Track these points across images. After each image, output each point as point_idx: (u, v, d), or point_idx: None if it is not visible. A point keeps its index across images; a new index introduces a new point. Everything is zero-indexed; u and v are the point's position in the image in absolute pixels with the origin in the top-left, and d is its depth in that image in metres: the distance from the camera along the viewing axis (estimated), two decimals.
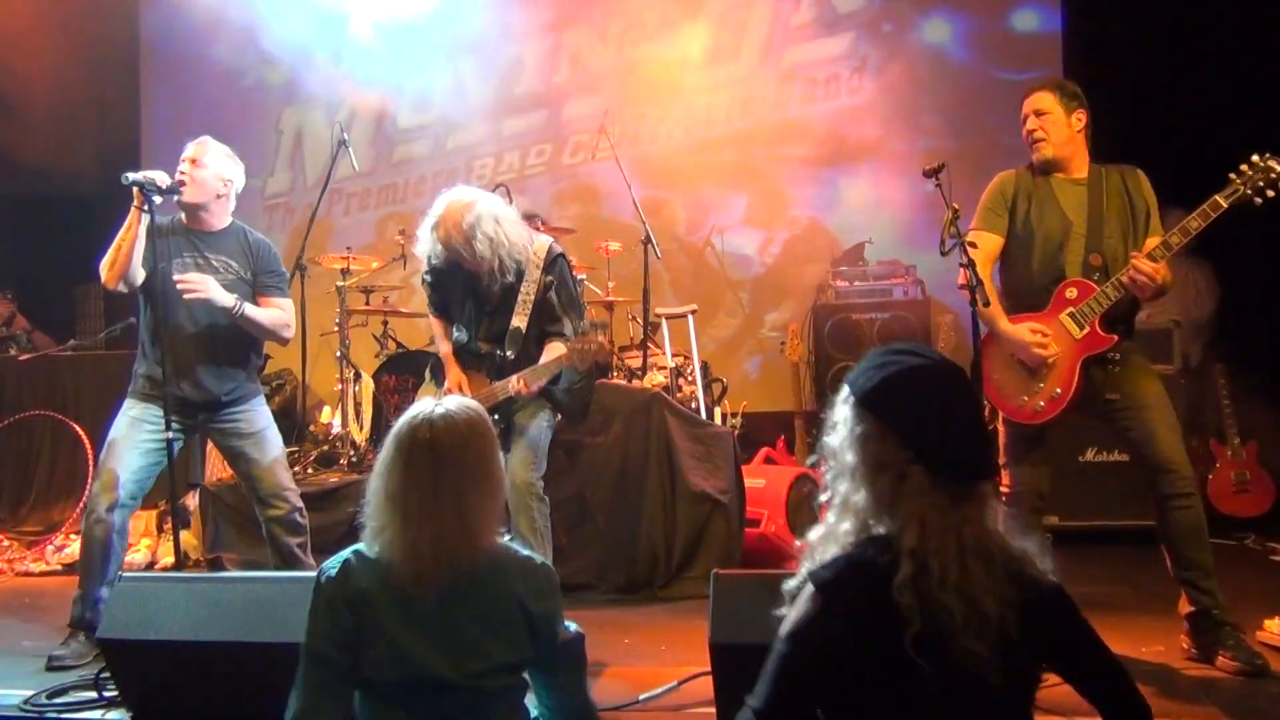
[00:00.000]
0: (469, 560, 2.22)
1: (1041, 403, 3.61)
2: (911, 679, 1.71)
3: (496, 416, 3.95)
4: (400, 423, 2.31)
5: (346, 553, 2.32)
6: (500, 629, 2.25)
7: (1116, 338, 3.59)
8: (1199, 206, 3.53)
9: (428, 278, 4.15)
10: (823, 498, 2.00)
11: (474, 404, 2.38)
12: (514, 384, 3.88)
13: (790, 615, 1.83)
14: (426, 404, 2.32)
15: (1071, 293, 3.62)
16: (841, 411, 1.92)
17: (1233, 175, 3.51)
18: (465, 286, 4.04)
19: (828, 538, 1.93)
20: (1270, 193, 3.44)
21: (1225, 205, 3.48)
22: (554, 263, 4.01)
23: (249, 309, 3.99)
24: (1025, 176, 3.83)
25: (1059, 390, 3.58)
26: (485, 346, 4.03)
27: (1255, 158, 3.49)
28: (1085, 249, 3.65)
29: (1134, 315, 3.79)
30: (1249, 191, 3.47)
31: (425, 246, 4.01)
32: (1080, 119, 3.78)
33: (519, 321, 3.95)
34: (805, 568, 1.91)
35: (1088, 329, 3.59)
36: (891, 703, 1.75)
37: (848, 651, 1.75)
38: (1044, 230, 3.71)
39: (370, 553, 2.28)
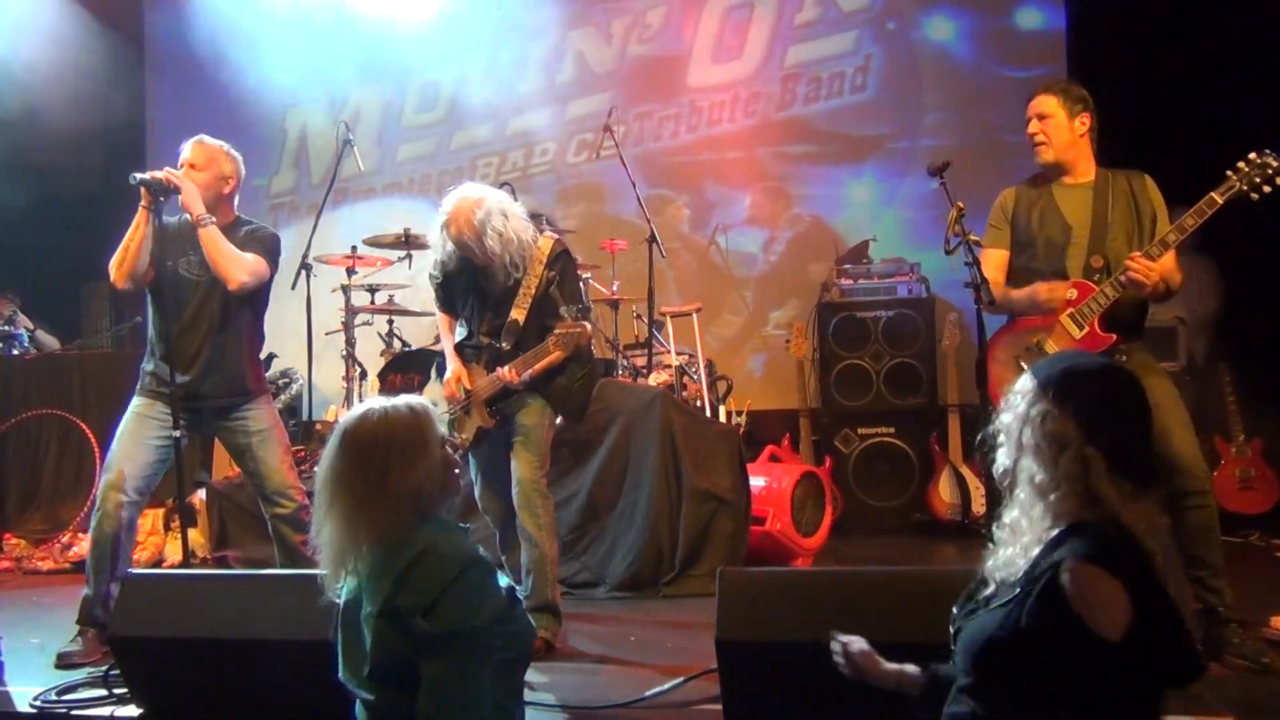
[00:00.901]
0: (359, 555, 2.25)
1: None
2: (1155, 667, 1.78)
3: (495, 409, 3.98)
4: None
5: None
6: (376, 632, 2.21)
7: (1115, 337, 3.59)
8: (1196, 203, 3.53)
9: (436, 275, 4.16)
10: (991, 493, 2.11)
11: (419, 403, 2.37)
12: (503, 372, 3.86)
13: (1099, 613, 1.75)
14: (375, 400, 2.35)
15: (1072, 294, 3.63)
16: (1021, 396, 1.99)
17: (1229, 172, 3.50)
18: (470, 282, 4.05)
19: (1019, 526, 1.96)
20: (1266, 188, 3.44)
21: (1221, 201, 3.48)
22: (558, 258, 4.01)
23: (215, 230, 3.91)
24: (1025, 190, 3.86)
25: None
26: (486, 340, 4.03)
27: (1253, 154, 3.49)
28: (1087, 251, 3.66)
29: (1141, 316, 3.78)
30: (1245, 187, 3.47)
31: (436, 244, 4.02)
32: (1084, 122, 3.78)
33: (517, 314, 3.94)
34: (1022, 564, 1.92)
35: (1086, 329, 3.60)
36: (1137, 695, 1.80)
37: (1152, 633, 1.76)
38: (1045, 236, 3.74)
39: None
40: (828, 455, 6.37)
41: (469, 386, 4.00)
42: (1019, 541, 1.95)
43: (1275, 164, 3.43)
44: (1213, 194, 3.49)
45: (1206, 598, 3.50)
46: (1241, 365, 6.23)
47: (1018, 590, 1.87)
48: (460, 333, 4.17)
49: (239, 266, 3.91)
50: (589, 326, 3.94)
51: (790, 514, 5.21)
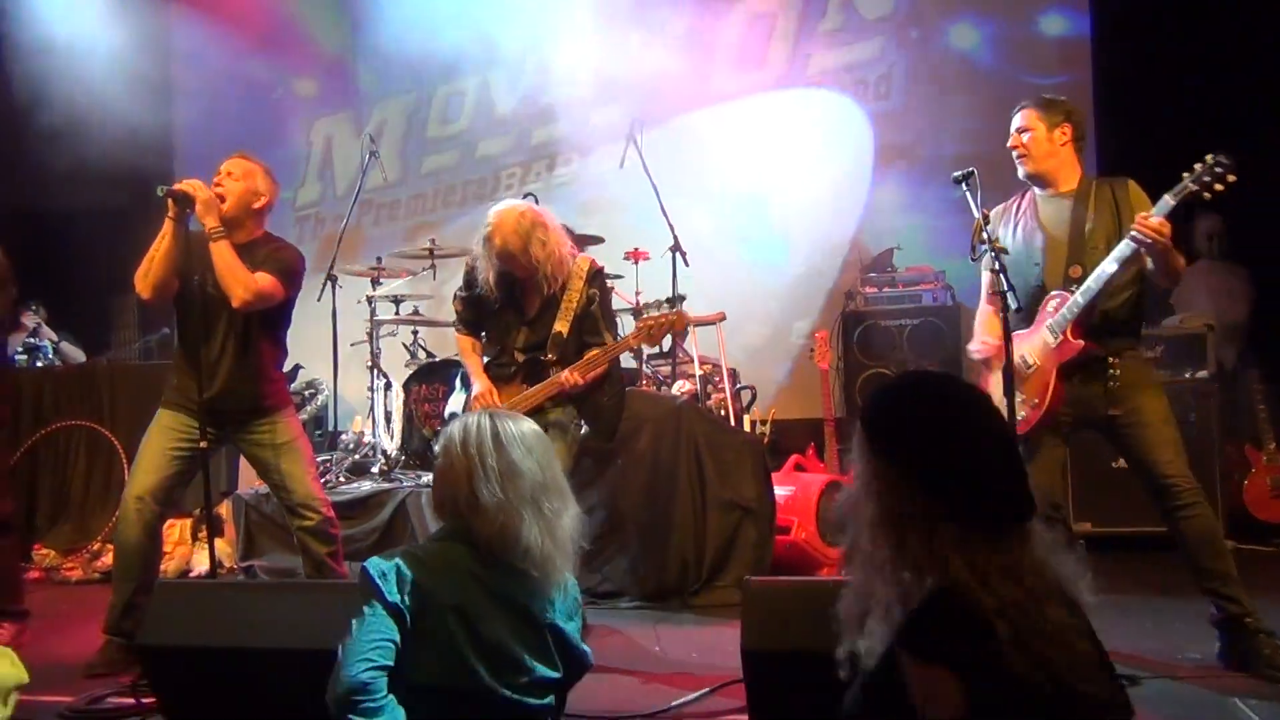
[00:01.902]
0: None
1: (1023, 413, 3.62)
2: None
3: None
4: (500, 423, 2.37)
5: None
6: (544, 646, 2.27)
7: (1085, 344, 3.58)
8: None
9: (462, 293, 4.20)
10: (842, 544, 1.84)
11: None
12: (564, 376, 3.90)
13: (931, 711, 1.63)
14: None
15: (1051, 305, 3.66)
16: (859, 462, 1.78)
17: (1184, 174, 3.51)
18: (506, 299, 4.08)
19: (862, 601, 1.77)
20: (1218, 186, 3.44)
21: (1174, 203, 3.48)
22: (596, 276, 4.09)
23: (227, 246, 3.89)
24: (1011, 206, 3.89)
25: (1036, 400, 3.64)
26: (523, 356, 4.05)
27: (1208, 157, 3.49)
28: (1066, 261, 3.67)
29: (1133, 318, 3.75)
30: (1195, 188, 3.47)
31: (477, 261, 4.08)
32: (1064, 133, 3.78)
33: (561, 327, 3.99)
34: (864, 643, 1.74)
35: (1060, 337, 3.61)
36: None
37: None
38: (1027, 249, 3.77)
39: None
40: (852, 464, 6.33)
41: (499, 403, 4.01)
42: (869, 624, 1.75)
43: (1226, 164, 3.44)
44: (1166, 196, 3.50)
45: (1226, 607, 3.50)
46: (1271, 372, 6.16)
47: (875, 672, 1.72)
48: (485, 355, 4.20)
49: (242, 284, 3.88)
50: (677, 312, 3.95)
51: (815, 523, 5.18)
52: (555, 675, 2.29)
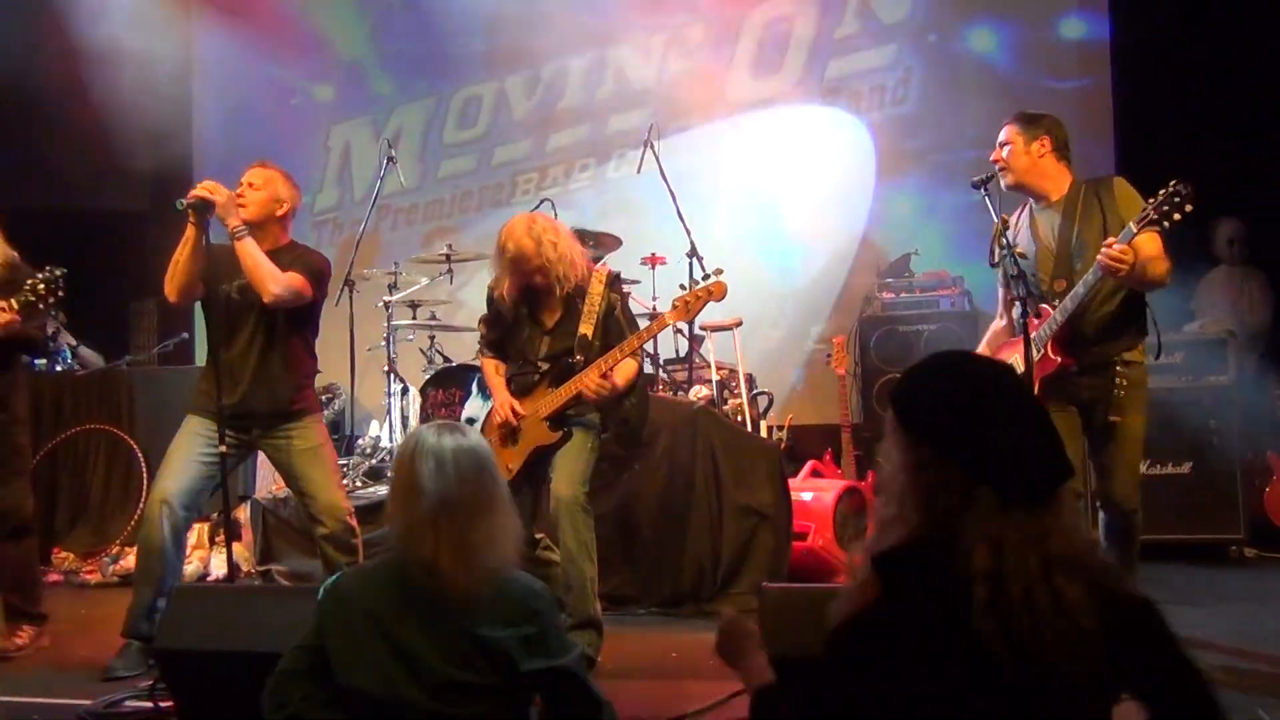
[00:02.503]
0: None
1: None
2: (986, 697, 1.61)
3: (556, 422, 3.99)
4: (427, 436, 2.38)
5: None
6: (462, 653, 2.25)
7: (1062, 360, 3.63)
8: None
9: (486, 315, 4.25)
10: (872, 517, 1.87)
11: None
12: (586, 380, 3.86)
13: (842, 596, 1.75)
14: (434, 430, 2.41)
15: (1036, 320, 3.68)
16: (892, 435, 1.80)
17: (1148, 200, 3.50)
18: (529, 313, 4.11)
19: (879, 543, 1.80)
20: (1176, 215, 3.42)
21: (1136, 231, 3.45)
22: (614, 281, 4.13)
23: (252, 244, 3.93)
24: (1014, 217, 3.91)
25: None
26: (546, 365, 4.06)
27: (1170, 184, 3.45)
28: (1051, 275, 3.71)
29: (1131, 320, 3.73)
30: (1155, 216, 3.43)
31: (494, 276, 4.13)
32: (1043, 145, 3.81)
33: (586, 329, 3.98)
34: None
35: (1042, 352, 3.65)
36: None
37: (910, 645, 1.64)
38: (1022, 262, 3.76)
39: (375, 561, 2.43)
40: (870, 470, 6.30)
41: (522, 412, 4.00)
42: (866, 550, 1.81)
43: (1184, 193, 3.41)
44: (1130, 223, 3.48)
45: None
46: None
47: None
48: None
49: (273, 279, 3.92)
50: (723, 283, 4.00)
51: (833, 529, 5.17)
52: (483, 683, 2.25)
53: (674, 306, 4.01)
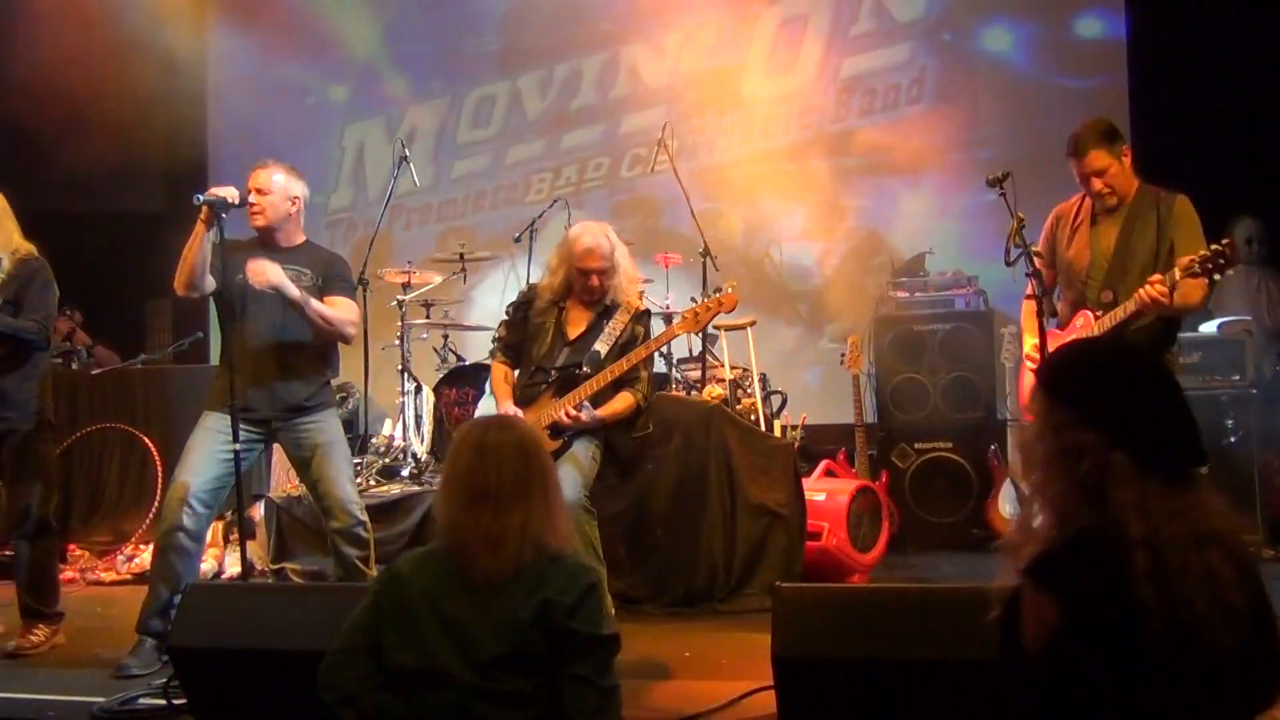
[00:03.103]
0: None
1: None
2: (1145, 677, 1.64)
3: (562, 437, 4.06)
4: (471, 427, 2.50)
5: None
6: (509, 625, 2.30)
7: None
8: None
9: (510, 315, 4.33)
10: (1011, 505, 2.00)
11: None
12: (559, 410, 4.01)
13: (1028, 628, 1.73)
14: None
15: (1080, 321, 3.80)
16: (1035, 403, 1.89)
17: (1202, 252, 3.55)
18: (558, 317, 4.20)
19: (1024, 534, 1.86)
20: (1217, 275, 3.54)
21: (1180, 279, 3.55)
22: (643, 317, 4.24)
23: (314, 301, 4.03)
24: (1070, 208, 3.95)
25: None
26: (558, 373, 4.14)
27: (1222, 243, 3.53)
28: (1101, 284, 3.77)
29: (1166, 329, 3.80)
30: (1199, 270, 3.52)
31: (543, 278, 4.25)
32: (1126, 154, 3.83)
33: (601, 347, 4.10)
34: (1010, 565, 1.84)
35: None
36: (1122, 704, 1.67)
37: (1108, 660, 1.66)
38: (1072, 262, 3.89)
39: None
40: (884, 470, 6.29)
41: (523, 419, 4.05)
42: (1022, 552, 1.83)
43: (1229, 255, 3.49)
44: (1175, 271, 3.56)
45: None
46: None
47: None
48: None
49: (347, 325, 4.16)
50: (733, 293, 4.04)
51: (846, 529, 5.15)
52: (531, 654, 2.29)
53: (684, 318, 4.09)
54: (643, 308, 4.27)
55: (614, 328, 4.12)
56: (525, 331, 4.27)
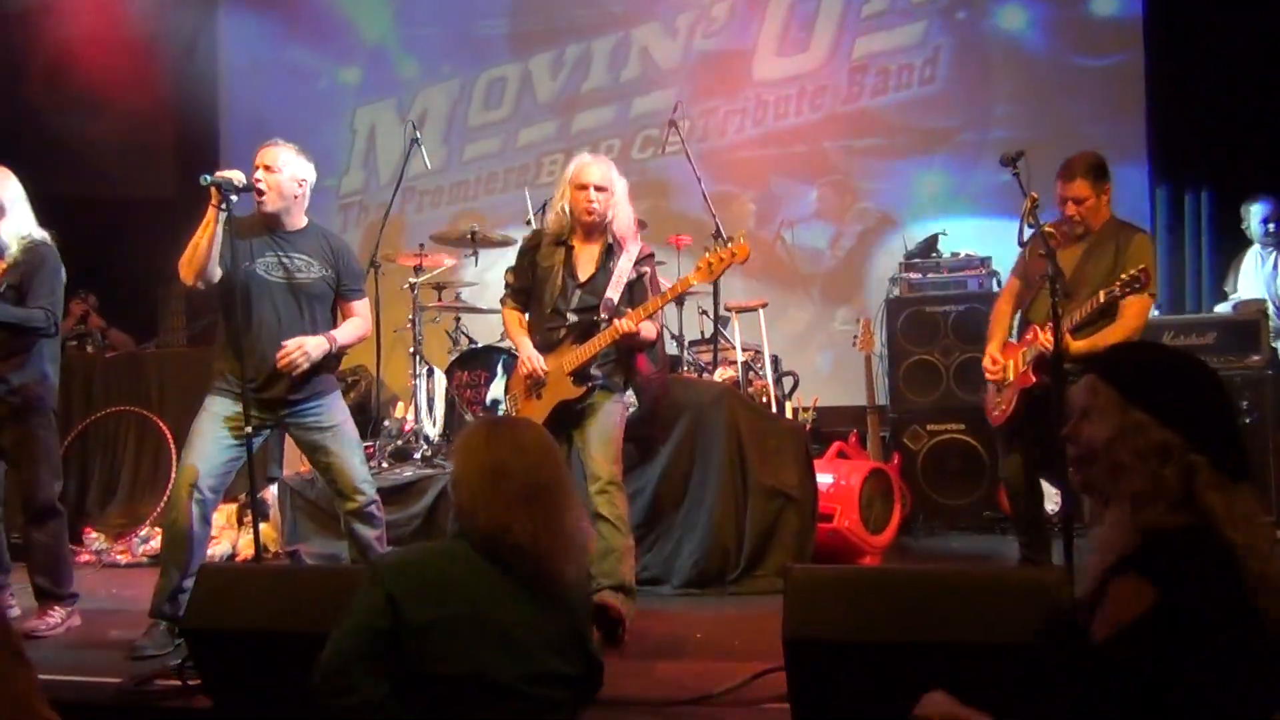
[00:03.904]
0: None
1: (996, 412, 4.34)
2: (1260, 686, 1.66)
3: (581, 377, 4.05)
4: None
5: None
6: (559, 641, 2.28)
7: (1035, 379, 4.08)
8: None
9: (519, 257, 4.34)
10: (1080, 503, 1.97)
11: None
12: (620, 324, 3.97)
13: (1108, 615, 1.72)
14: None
15: (1030, 335, 4.13)
16: (1101, 400, 1.85)
17: (1121, 276, 3.88)
18: (566, 259, 4.17)
19: (1105, 544, 1.83)
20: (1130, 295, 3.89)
21: (1103, 300, 3.92)
22: (646, 259, 4.23)
23: (340, 337, 4.14)
24: (1045, 234, 4.09)
25: (1004, 406, 4.28)
26: (575, 316, 4.14)
27: (1133, 272, 3.85)
28: (1054, 300, 3.90)
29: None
30: (1120, 294, 3.89)
31: (556, 198, 4.24)
32: (1108, 192, 4.16)
33: (613, 293, 4.09)
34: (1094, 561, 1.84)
35: (1025, 368, 4.15)
36: (1194, 699, 1.66)
37: (1190, 655, 1.65)
38: (1036, 279, 4.17)
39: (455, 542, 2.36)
40: (896, 452, 6.28)
41: (546, 367, 4.09)
42: (1105, 554, 1.83)
43: (1143, 282, 3.82)
44: (1114, 287, 3.89)
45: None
46: None
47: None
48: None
49: (365, 335, 4.33)
50: (746, 245, 4.00)
51: (858, 511, 5.15)
52: (573, 673, 2.27)
53: (697, 268, 4.05)
54: (643, 250, 4.24)
55: (620, 272, 4.12)
56: (533, 275, 4.26)
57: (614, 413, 4.13)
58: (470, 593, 2.22)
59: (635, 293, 4.16)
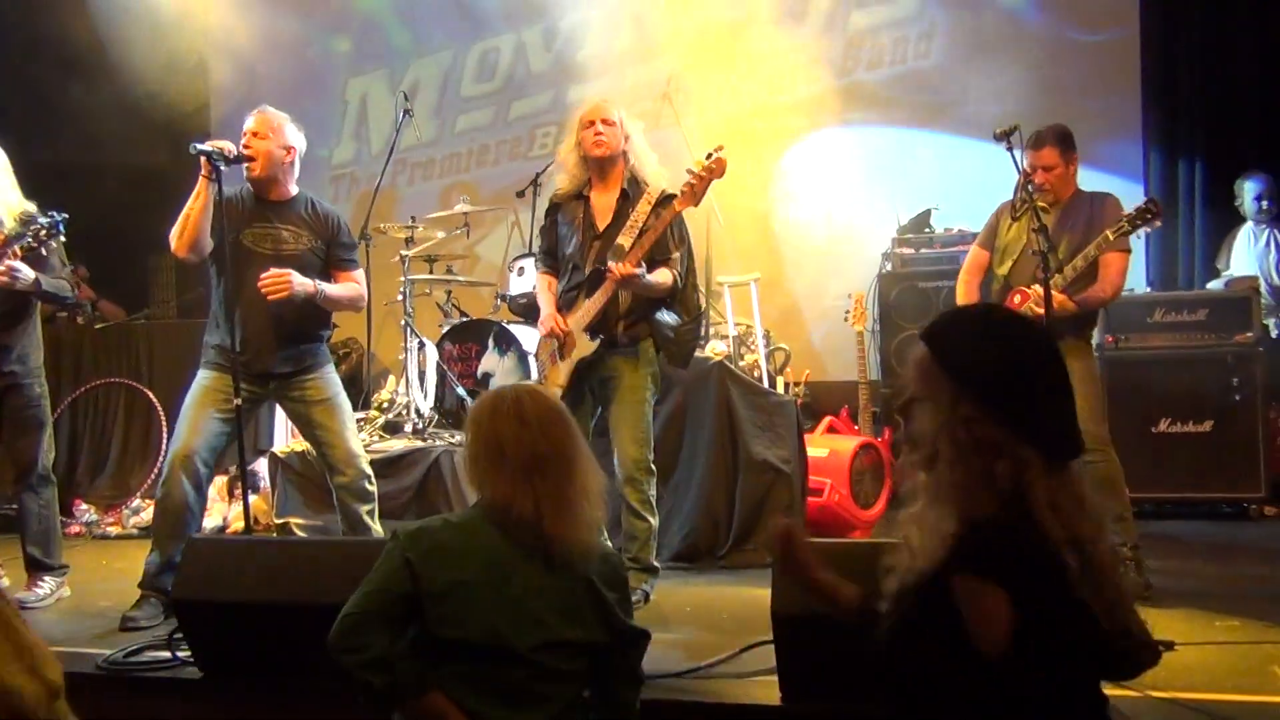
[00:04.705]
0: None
1: None
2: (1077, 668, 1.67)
3: (596, 332, 4.02)
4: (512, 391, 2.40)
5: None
6: (573, 609, 2.29)
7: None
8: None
9: (545, 219, 4.30)
10: (906, 482, 1.84)
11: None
12: (616, 267, 3.87)
13: (984, 627, 1.65)
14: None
15: (1016, 299, 4.16)
16: (931, 387, 1.77)
17: (1122, 214, 4.08)
18: (585, 211, 4.11)
19: (925, 529, 1.76)
20: (1146, 228, 4.11)
21: (1113, 239, 4.05)
22: (665, 202, 4.06)
23: (327, 289, 4.06)
24: (1011, 209, 4.29)
25: None
26: (590, 269, 4.09)
27: (1143, 201, 4.11)
28: (1036, 265, 4.01)
29: (1077, 322, 4.20)
30: (1129, 228, 4.05)
31: (565, 153, 4.19)
32: (1075, 163, 4.26)
33: (624, 240, 3.99)
34: (917, 567, 1.76)
35: None
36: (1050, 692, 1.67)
37: (1022, 639, 1.64)
38: (1013, 245, 4.26)
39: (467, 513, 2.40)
40: (887, 427, 6.28)
41: (566, 325, 4.05)
42: (925, 539, 1.76)
43: (1153, 211, 4.02)
44: (1107, 231, 4.04)
45: (1111, 538, 3.88)
46: None
47: (916, 596, 1.75)
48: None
49: (358, 300, 4.27)
50: (723, 159, 3.96)
51: (849, 486, 5.16)
52: (589, 640, 2.29)
53: (681, 193, 3.99)
54: (665, 192, 4.08)
55: (636, 217, 4.00)
56: (557, 234, 4.22)
57: (641, 388, 4.06)
58: (485, 561, 2.26)
59: (656, 241, 4.02)
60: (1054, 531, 1.65)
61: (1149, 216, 4.02)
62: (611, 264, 3.88)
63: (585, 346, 4.02)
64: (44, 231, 4.03)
